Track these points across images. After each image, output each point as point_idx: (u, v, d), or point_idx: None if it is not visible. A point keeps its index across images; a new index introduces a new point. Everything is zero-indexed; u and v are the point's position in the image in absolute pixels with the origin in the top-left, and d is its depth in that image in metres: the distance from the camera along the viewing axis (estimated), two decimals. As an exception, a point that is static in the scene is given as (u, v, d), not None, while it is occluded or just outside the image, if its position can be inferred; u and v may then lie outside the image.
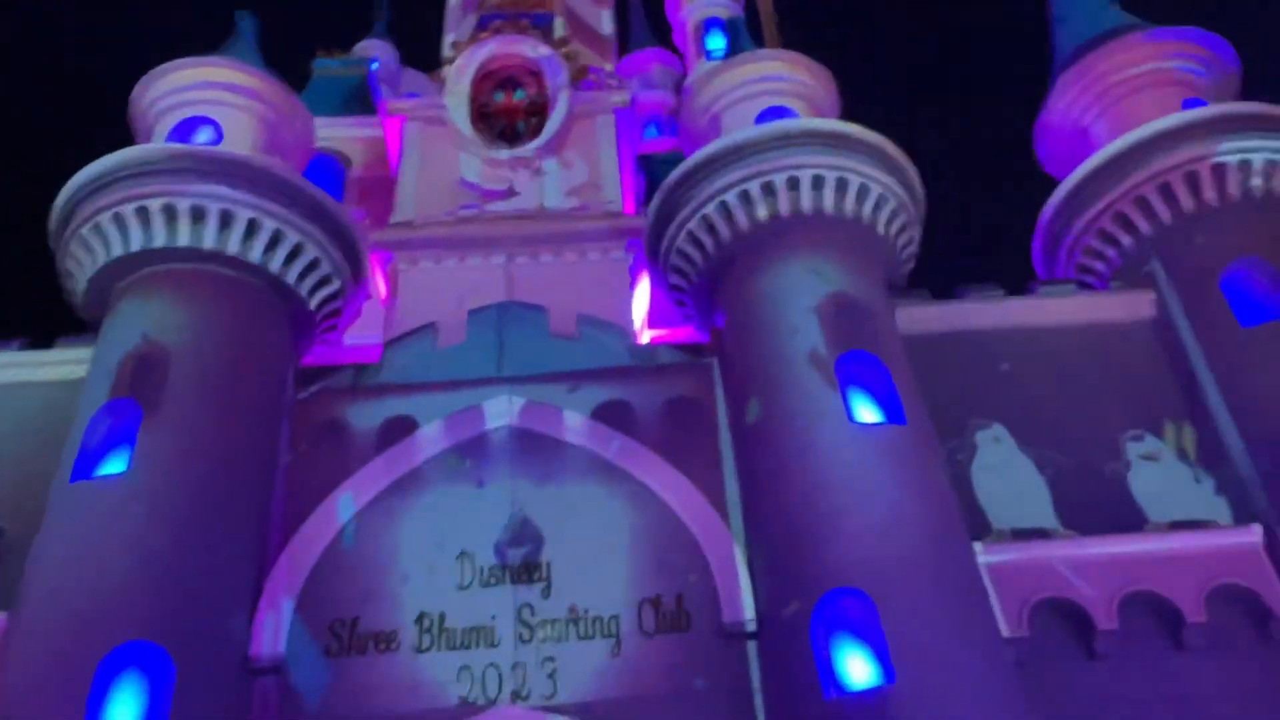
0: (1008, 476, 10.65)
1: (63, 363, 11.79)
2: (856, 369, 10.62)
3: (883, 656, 8.77)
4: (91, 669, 8.47)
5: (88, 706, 8.34)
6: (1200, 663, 9.43)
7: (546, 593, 10.13)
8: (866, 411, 10.42)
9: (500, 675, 9.63)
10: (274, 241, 11.51)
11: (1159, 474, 10.65)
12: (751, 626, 9.73)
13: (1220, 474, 10.63)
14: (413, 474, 10.95)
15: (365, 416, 11.25)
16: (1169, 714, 9.12)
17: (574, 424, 11.21)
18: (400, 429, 11.14)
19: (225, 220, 11.31)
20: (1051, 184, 13.33)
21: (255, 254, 11.40)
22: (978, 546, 9.91)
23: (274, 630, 9.75)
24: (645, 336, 13.49)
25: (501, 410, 11.27)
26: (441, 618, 9.96)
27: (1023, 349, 11.78)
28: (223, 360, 10.59)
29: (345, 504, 10.65)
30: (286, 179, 11.79)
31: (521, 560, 10.30)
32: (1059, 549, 9.98)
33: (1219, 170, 11.80)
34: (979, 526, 10.23)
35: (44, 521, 9.62)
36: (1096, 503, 10.42)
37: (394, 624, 9.93)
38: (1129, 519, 10.35)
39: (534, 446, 11.11)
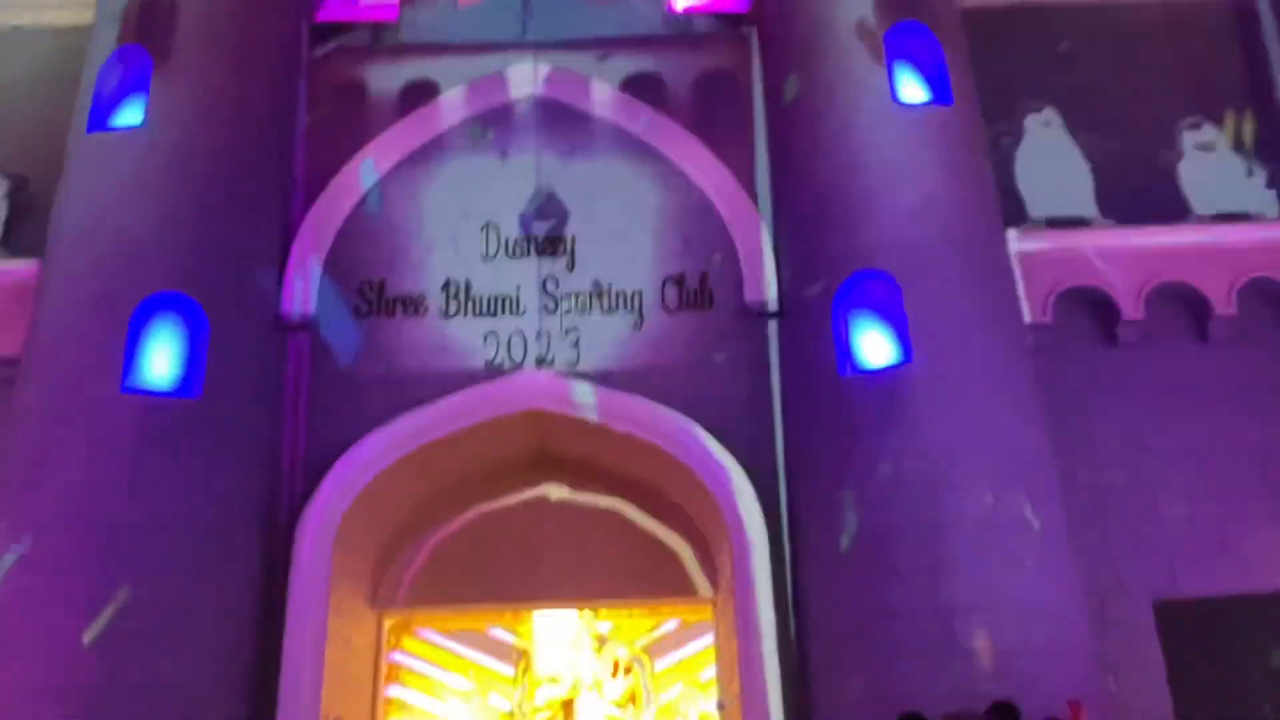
0: (1052, 163, 10.17)
1: (71, 5, 11.11)
2: (906, 42, 9.84)
3: (903, 337, 8.75)
4: (127, 313, 8.60)
5: (126, 351, 8.54)
6: (1223, 355, 9.43)
7: (571, 266, 10.13)
8: (912, 89, 9.74)
9: (525, 342, 9.81)
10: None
11: (1211, 165, 10.15)
12: (773, 307, 9.76)
13: (1275, 167, 10.14)
14: (435, 141, 10.61)
15: (384, 78, 10.79)
16: (1187, 404, 9.24)
17: (602, 96, 10.71)
18: (421, 93, 10.70)
19: None
20: None
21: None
22: (1011, 233, 9.67)
23: (303, 290, 9.85)
24: (680, 3, 12.49)
25: (526, 78, 10.74)
26: (467, 285, 10.04)
27: (1087, 27, 10.98)
28: (232, 4, 9.93)
29: (368, 169, 10.41)
30: None
31: (546, 233, 10.21)
32: (1094, 238, 9.74)
33: None
34: (1015, 213, 9.92)
35: (65, 171, 9.46)
36: (1141, 193, 10.03)
37: (420, 289, 10.02)
38: (1172, 210, 10.00)
39: (560, 119, 10.68)
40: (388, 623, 11.11)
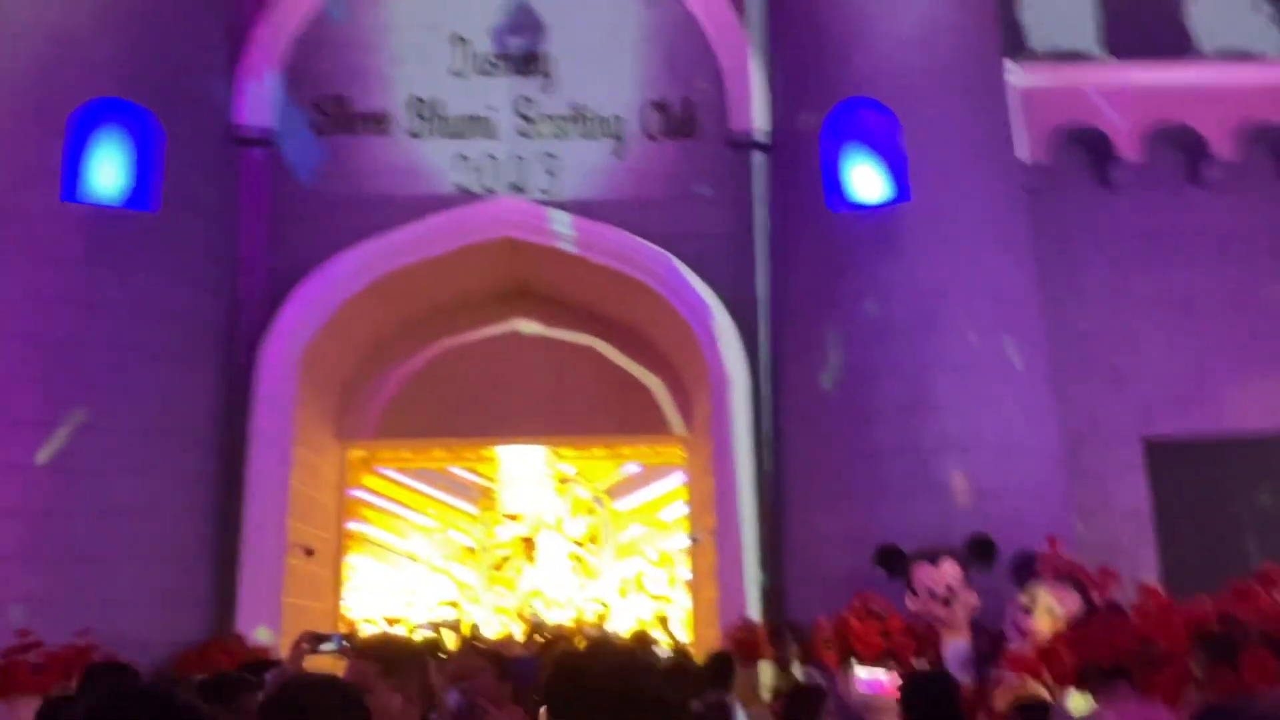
0: (1057, -5, 9.69)
1: None
2: None
3: (897, 172, 8.38)
4: (64, 117, 7.97)
5: (67, 158, 7.95)
6: (1218, 198, 9.22)
7: (547, 87, 9.53)
8: (916, -95, 9.07)
9: (499, 166, 9.32)
10: None
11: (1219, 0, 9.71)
12: (761, 137, 9.33)
13: (1282, 6, 9.74)
14: (402, -58, 9.73)
15: None
16: (1179, 246, 9.08)
17: (582, -101, 9.84)
18: (387, -113, 9.72)
19: None
20: None
21: None
22: (1009, 66, 9.23)
23: (258, 100, 9.19)
24: None
25: (502, -125, 9.80)
26: (436, 104, 9.43)
27: None
28: None
29: (328, -30, 9.59)
30: None
31: (521, 50, 9.56)
32: (1095, 74, 9.36)
33: None
34: (1015, 46, 9.46)
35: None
36: (1146, 28, 9.58)
37: (385, 106, 9.41)
38: (1176, 46, 9.58)
39: (537, -77, 9.83)
40: (354, 456, 10.88)
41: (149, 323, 7.91)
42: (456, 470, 12.47)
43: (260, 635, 7.87)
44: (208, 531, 8.14)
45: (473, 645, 6.90)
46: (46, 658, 6.07)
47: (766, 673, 6.84)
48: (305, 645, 4.08)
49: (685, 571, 11.60)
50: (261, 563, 8.29)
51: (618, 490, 12.58)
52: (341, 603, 10.40)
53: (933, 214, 8.22)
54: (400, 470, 12.20)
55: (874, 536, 7.27)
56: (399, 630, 8.14)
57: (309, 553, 8.93)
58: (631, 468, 12.46)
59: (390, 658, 2.80)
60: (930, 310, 7.96)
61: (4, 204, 7.81)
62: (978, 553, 6.81)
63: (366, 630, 7.31)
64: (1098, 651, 3.51)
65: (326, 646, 4.04)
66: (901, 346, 7.94)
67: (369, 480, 11.97)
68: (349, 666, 2.87)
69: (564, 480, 12.64)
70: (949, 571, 6.70)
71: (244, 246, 8.97)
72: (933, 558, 6.79)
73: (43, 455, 7.31)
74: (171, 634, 7.47)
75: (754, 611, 8.28)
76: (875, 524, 7.55)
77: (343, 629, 8.55)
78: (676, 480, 11.80)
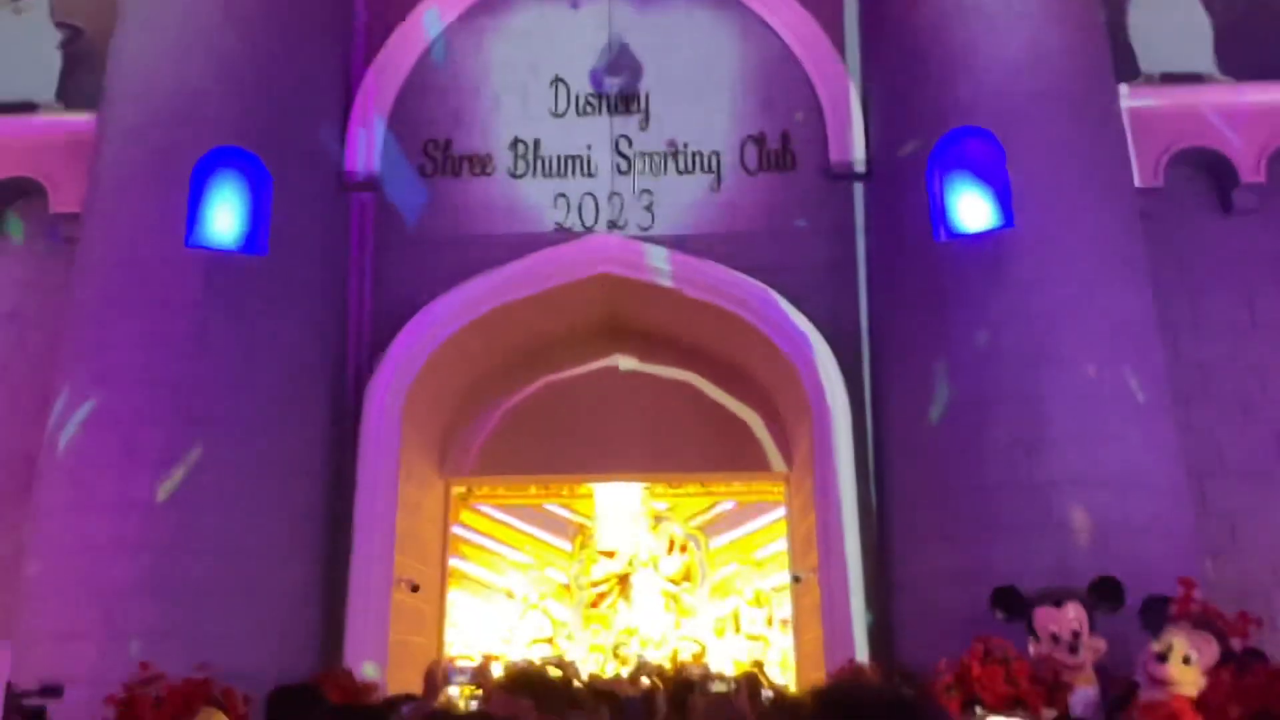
0: (1169, 15, 9.37)
1: None
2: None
3: (1004, 200, 8.17)
4: (189, 167, 8.25)
5: (189, 206, 8.23)
6: (1351, 220, 8.77)
7: (644, 125, 9.58)
8: (1018, -71, 8.91)
9: (597, 204, 9.37)
10: None
11: (1343, 17, 9.30)
12: (860, 168, 9.20)
13: None
14: (500, -11, 9.92)
15: (449, -79, 9.99)
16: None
17: (677, -60, 9.90)
18: (487, -62, 9.94)
19: None
20: None
21: None
22: (1123, 89, 8.97)
23: (366, 146, 9.40)
24: None
25: (598, -79, 9.94)
26: (536, 144, 9.54)
27: None
28: None
29: (432, 19, 9.80)
30: None
31: (619, 89, 9.63)
32: (1212, 95, 8.99)
33: None
34: (1127, 69, 9.19)
35: (119, 21, 8.95)
36: (1262, 47, 9.21)
37: (487, 147, 9.56)
38: (1298, 65, 9.16)
39: (632, -34, 9.91)
40: (455, 492, 11.01)
41: (260, 364, 8.06)
42: (552, 507, 12.55)
43: (368, 670, 7.89)
44: (317, 567, 8.22)
45: (592, 684, 6.81)
46: (167, 691, 6.15)
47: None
48: (442, 677, 4.02)
49: (784, 610, 11.37)
50: (369, 599, 8.33)
51: (712, 527, 12.52)
52: (444, 638, 10.40)
53: (1043, 241, 7.98)
54: (497, 506, 12.34)
55: (987, 575, 6.99)
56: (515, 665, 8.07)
57: (414, 588, 8.98)
58: (725, 505, 12.37)
59: (542, 694, 2.74)
60: (1042, 340, 7.71)
61: (131, 252, 8.10)
62: (1104, 595, 6.51)
63: (493, 664, 7.24)
64: (1270, 701, 3.24)
65: (459, 679, 3.98)
66: (1013, 378, 7.70)
67: (467, 516, 12.11)
68: (498, 700, 2.81)
69: (658, 518, 12.59)
70: (1074, 615, 6.40)
71: (351, 288, 9.15)
72: (1055, 600, 6.50)
73: (163, 493, 7.48)
74: (282, 668, 7.39)
75: (861, 653, 8.05)
76: (988, 562, 7.27)
77: (470, 661, 8.54)
78: (771, 517, 11.65)
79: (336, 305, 8.97)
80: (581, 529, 12.64)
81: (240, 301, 8.09)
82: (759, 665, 9.80)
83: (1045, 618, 6.44)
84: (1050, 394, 7.57)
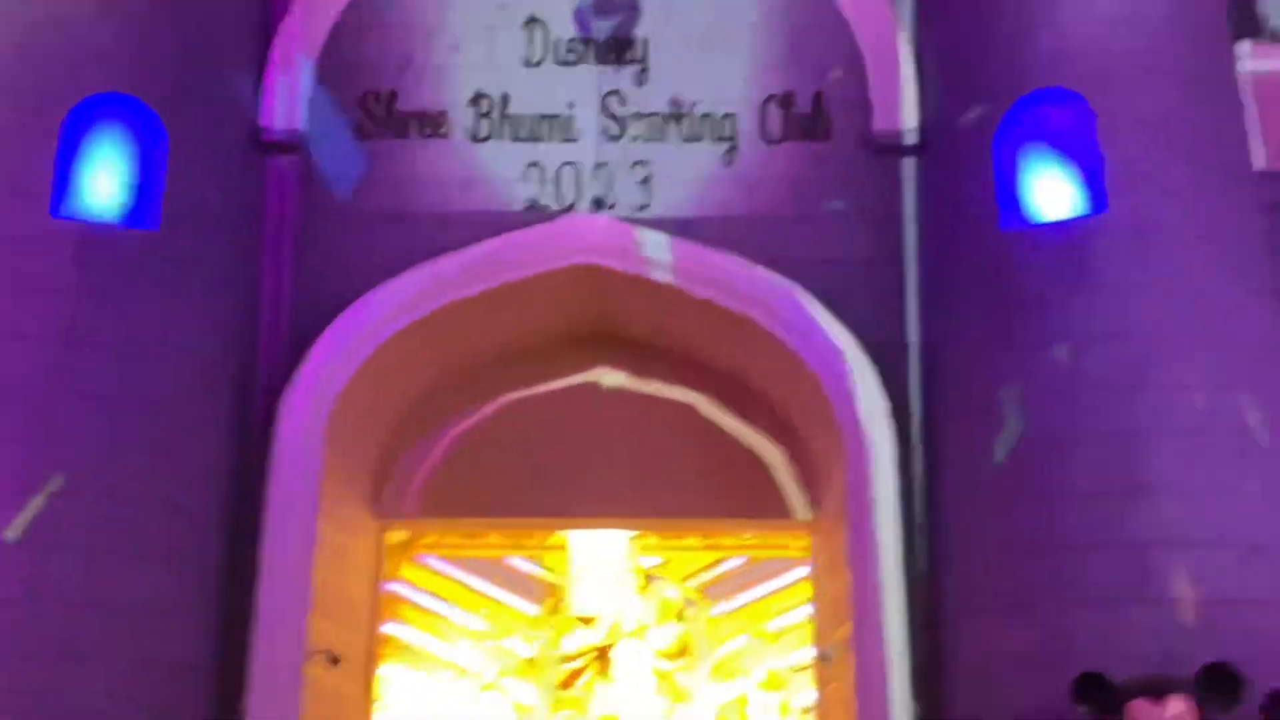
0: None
1: None
2: None
3: (1093, 180, 8.18)
4: (59, 118, 8.22)
5: (58, 167, 8.19)
6: None
7: (641, 78, 9.63)
8: None
9: (579, 177, 9.40)
10: None
11: None
12: (911, 139, 9.26)
13: None
14: (464, -94, 10.04)
15: None
16: None
17: None
18: None
19: None
20: None
21: None
22: (1241, 48, 9.06)
23: (288, 98, 9.40)
24: None
25: None
26: (504, 100, 9.59)
27: None
28: None
29: (374, -58, 9.91)
30: None
31: (610, 33, 9.71)
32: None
33: None
34: (1247, 23, 9.27)
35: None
36: None
37: (442, 103, 9.59)
38: None
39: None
40: (391, 539, 10.91)
41: (145, 368, 7.99)
42: (516, 561, 12.44)
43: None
44: (209, 631, 8.11)
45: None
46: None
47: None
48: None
49: (804, 698, 11.30)
50: (275, 674, 8.21)
51: (715, 589, 12.45)
52: (372, 726, 10.29)
53: (1141, 233, 7.96)
54: (446, 559, 12.22)
55: (1069, 658, 7.00)
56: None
57: (335, 661, 8.83)
58: (733, 561, 12.31)
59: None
60: (1139, 360, 7.70)
61: (-14, 221, 8.10)
62: (1217, 687, 6.42)
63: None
64: None
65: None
66: (1101, 407, 7.67)
67: (407, 571, 11.98)
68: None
69: (648, 577, 12.55)
70: (1180, 711, 6.35)
71: (266, 275, 9.10)
72: (1156, 692, 6.43)
73: (13, 531, 7.37)
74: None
75: (905, 755, 8.06)
76: (1070, 641, 7.28)
77: None
78: (791, 577, 11.64)
79: (246, 296, 8.93)
80: (552, 589, 12.54)
81: (121, 288, 8.03)
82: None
83: (1143, 715, 6.41)
84: (1148, 430, 7.58)
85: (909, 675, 8.19)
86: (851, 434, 8.77)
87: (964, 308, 8.46)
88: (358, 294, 9.04)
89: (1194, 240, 7.99)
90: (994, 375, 8.04)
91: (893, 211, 9.19)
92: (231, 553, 8.34)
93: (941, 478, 8.47)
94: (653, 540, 12.35)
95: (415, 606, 12.05)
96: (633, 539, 12.36)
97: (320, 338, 8.94)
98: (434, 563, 12.16)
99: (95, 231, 8.09)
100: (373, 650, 10.29)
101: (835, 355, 8.86)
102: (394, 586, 11.43)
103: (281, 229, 9.21)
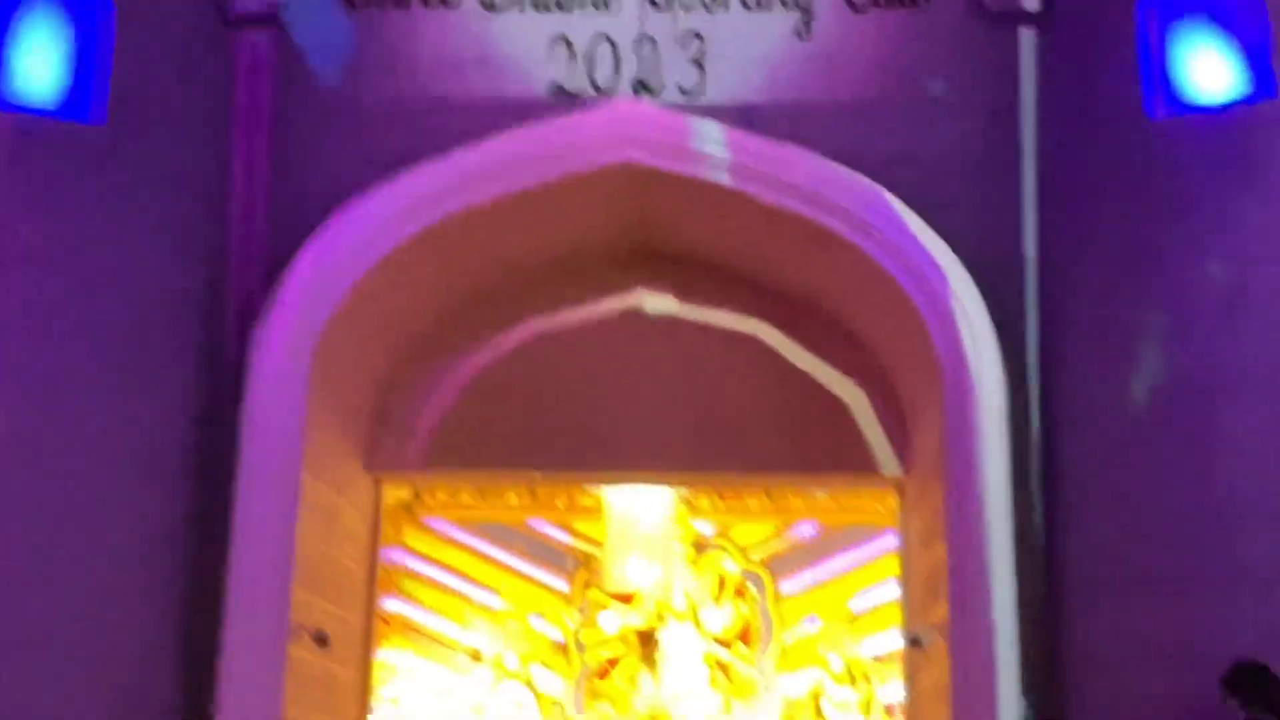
0: None
1: None
2: None
3: (1258, 56, 8.13)
4: None
5: None
6: None
7: (695, -69, 9.66)
8: None
9: (617, 53, 9.37)
10: None
11: None
12: (1032, 4, 9.23)
13: None
14: None
15: None
16: None
17: None
18: None
19: None
20: None
21: None
22: None
23: (261, -40, 9.50)
24: None
25: None
26: (524, -37, 9.66)
27: None
28: None
29: None
30: None
31: (657, -126, 9.70)
32: None
33: None
34: None
35: None
36: None
37: (448, -37, 9.66)
38: None
39: None
40: (391, 497, 11.05)
41: (92, 292, 8.07)
42: (541, 524, 12.60)
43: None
44: (176, 607, 8.21)
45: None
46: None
47: None
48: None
49: (891, 692, 11.53)
50: (251, 655, 8.28)
51: (783, 562, 12.59)
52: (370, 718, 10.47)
53: None
54: (458, 523, 12.40)
55: (1219, 646, 7.14)
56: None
57: (322, 641, 8.92)
58: (804, 528, 12.45)
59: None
60: None
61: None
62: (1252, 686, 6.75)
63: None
64: None
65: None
66: (1271, 339, 7.71)
67: (411, 536, 12.13)
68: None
69: (701, 546, 12.66)
70: None
71: (235, 177, 9.13)
72: None
73: None
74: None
75: (1013, 762, 8.18)
76: (1220, 627, 7.40)
77: None
78: (875, 548, 11.80)
79: (212, 203, 8.96)
80: (585, 560, 12.70)
81: (60, 193, 8.10)
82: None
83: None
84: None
85: (1017, 666, 8.24)
86: (952, 371, 8.77)
87: (1097, 215, 8.47)
88: (345, 201, 9.06)
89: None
90: (1134, 299, 8.10)
91: (1007, 96, 9.18)
92: (200, 514, 8.41)
93: (1064, 427, 8.53)
94: (706, 501, 12.50)
95: (420, 579, 12.25)
96: (681, 499, 12.49)
97: (301, 254, 8.95)
98: (442, 527, 12.36)
99: (26, 124, 8.13)
100: (369, 629, 10.46)
101: (933, 274, 8.86)
102: (394, 554, 11.65)
103: (255, 122, 9.23)
